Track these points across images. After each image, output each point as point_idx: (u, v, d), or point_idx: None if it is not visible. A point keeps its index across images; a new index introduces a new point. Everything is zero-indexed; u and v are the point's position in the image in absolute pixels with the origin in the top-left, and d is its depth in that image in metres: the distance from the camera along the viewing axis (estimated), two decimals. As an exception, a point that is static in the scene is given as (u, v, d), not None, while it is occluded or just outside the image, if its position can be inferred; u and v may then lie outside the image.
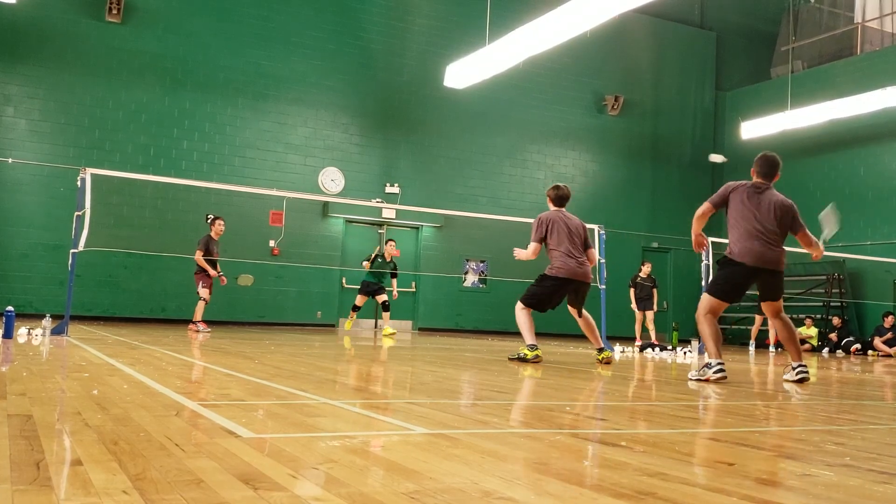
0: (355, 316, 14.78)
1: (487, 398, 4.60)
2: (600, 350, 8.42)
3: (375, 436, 2.97)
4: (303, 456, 2.40)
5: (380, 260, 14.11)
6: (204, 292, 12.85)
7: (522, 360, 7.95)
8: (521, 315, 8.19)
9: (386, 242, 14.85)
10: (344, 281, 18.19)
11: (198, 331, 12.38)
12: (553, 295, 8.12)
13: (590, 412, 4.11)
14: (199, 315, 12.88)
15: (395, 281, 14.47)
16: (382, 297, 14.26)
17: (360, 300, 14.33)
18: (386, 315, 14.39)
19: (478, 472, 2.25)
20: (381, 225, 18.84)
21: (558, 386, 5.42)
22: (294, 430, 3.00)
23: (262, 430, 2.88)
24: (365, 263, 14.10)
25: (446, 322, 19.28)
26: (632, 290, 15.79)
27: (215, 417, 3.11)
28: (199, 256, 12.76)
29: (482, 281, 19.81)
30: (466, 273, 19.73)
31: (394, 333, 14.05)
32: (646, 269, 16.04)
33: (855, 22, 22.51)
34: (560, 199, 8.35)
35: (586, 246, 8.21)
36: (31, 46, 15.82)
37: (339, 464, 2.29)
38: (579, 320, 8.41)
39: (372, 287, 14.26)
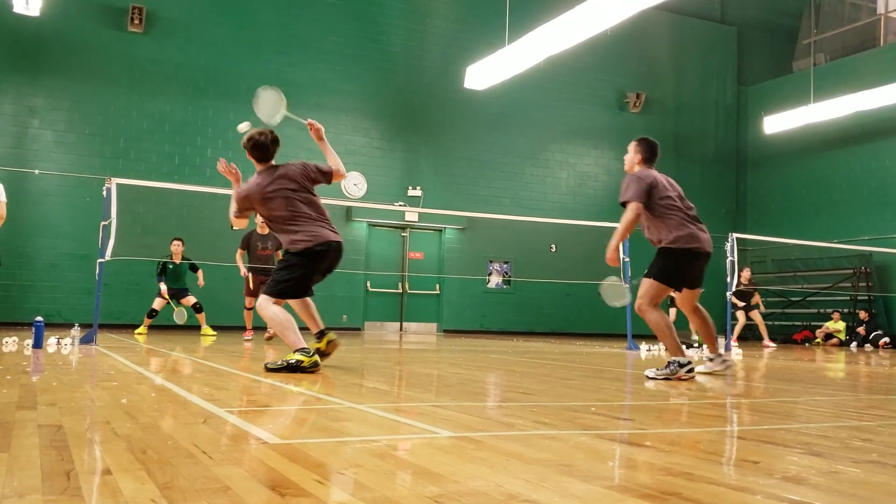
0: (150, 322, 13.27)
1: (512, 400, 4.61)
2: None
3: (401, 439, 2.99)
4: (329, 461, 2.42)
5: (170, 267, 13.12)
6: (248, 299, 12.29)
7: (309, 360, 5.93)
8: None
9: (171, 243, 13.29)
10: (368, 284, 18.26)
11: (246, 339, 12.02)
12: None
13: (615, 412, 4.11)
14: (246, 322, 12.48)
15: (200, 275, 13.15)
16: (190, 301, 13.20)
17: (158, 304, 13.06)
18: (200, 317, 13.28)
19: (502, 474, 2.26)
20: (403, 228, 18.91)
21: (584, 386, 5.42)
22: (320, 435, 3.03)
23: (289, 436, 2.91)
24: (162, 288, 12.92)
25: (471, 324, 19.28)
26: (731, 296, 15.68)
27: (242, 424, 3.14)
28: (237, 255, 12.22)
29: (506, 282, 19.79)
30: (490, 274, 19.72)
31: (214, 336, 12.81)
32: (745, 275, 15.87)
33: (877, 13, 22.29)
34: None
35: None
36: (55, 58, 16.00)
37: (364, 468, 2.31)
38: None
39: (176, 293, 13.18)
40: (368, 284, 18.28)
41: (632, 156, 6.60)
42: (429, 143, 19.20)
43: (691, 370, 6.16)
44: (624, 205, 6.28)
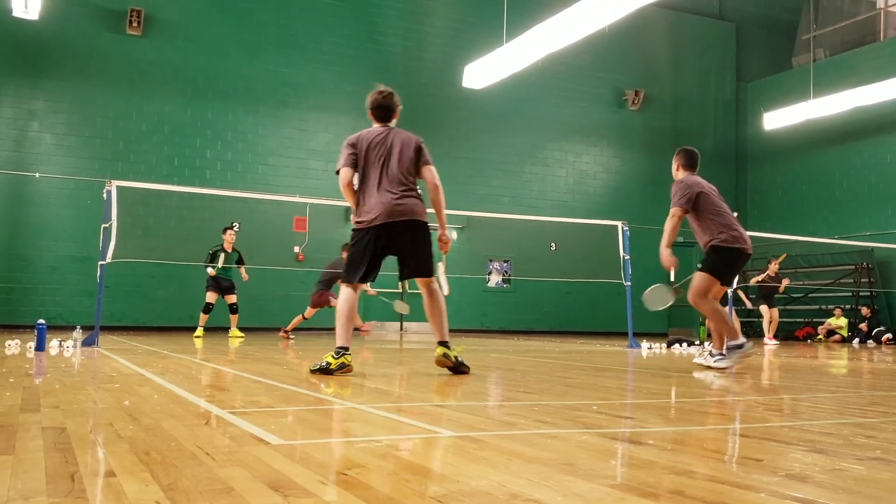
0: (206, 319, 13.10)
1: (514, 399, 4.61)
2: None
3: (403, 440, 2.99)
4: (331, 462, 2.42)
5: (222, 255, 12.98)
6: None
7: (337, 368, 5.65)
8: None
9: (224, 231, 13.27)
10: (368, 285, 18.21)
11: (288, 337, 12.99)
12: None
13: (617, 410, 4.11)
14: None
15: (242, 269, 13.20)
16: (232, 298, 13.13)
17: (211, 297, 12.97)
18: (234, 318, 13.19)
19: (504, 474, 2.26)
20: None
21: (585, 385, 5.42)
22: (323, 436, 3.03)
23: (292, 437, 2.91)
24: (210, 270, 12.84)
25: (471, 323, 19.28)
26: (756, 280, 15.85)
27: (244, 425, 3.14)
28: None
29: (506, 281, 19.79)
30: (490, 273, 19.72)
31: (242, 338, 12.68)
32: (773, 268, 15.92)
33: (877, 7, 22.28)
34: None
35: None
36: (54, 61, 16.01)
37: (367, 469, 2.31)
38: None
39: (223, 283, 13.06)
40: (368, 285, 18.24)
41: (675, 165, 7.46)
42: (428, 142, 18.89)
43: (750, 346, 6.98)
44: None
